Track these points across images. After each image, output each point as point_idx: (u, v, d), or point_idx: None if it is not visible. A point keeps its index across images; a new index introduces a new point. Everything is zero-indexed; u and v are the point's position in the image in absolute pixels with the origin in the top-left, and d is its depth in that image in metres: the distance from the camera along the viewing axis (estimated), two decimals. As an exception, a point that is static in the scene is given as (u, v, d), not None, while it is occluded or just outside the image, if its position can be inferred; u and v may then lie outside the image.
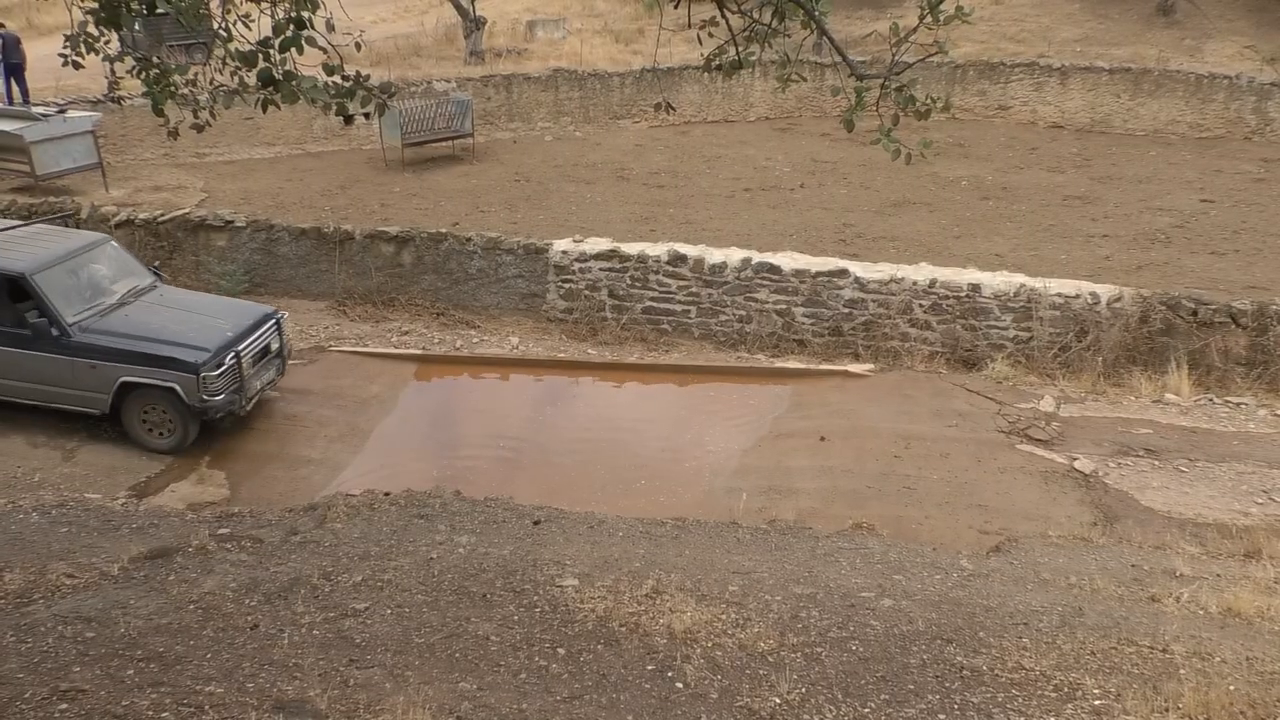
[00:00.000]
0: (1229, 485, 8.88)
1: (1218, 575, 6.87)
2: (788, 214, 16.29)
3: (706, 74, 6.13)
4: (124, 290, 10.30)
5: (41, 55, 17.96)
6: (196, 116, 5.98)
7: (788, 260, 12.29)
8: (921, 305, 11.78)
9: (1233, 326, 11.03)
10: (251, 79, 5.18)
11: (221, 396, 9.58)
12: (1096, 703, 4.97)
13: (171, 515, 7.73)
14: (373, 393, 10.97)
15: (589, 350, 12.19)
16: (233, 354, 9.72)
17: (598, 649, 5.42)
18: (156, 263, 12.53)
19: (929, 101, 4.99)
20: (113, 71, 6.76)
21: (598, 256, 12.73)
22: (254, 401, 10.14)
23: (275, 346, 10.48)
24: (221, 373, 9.54)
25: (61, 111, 16.87)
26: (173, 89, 5.75)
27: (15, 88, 20.02)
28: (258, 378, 10.12)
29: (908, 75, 5.04)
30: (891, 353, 11.82)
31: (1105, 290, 11.46)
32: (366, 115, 5.28)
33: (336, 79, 5.12)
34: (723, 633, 5.58)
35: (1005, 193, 17.71)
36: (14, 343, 9.59)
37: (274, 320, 10.53)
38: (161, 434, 9.68)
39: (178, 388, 9.41)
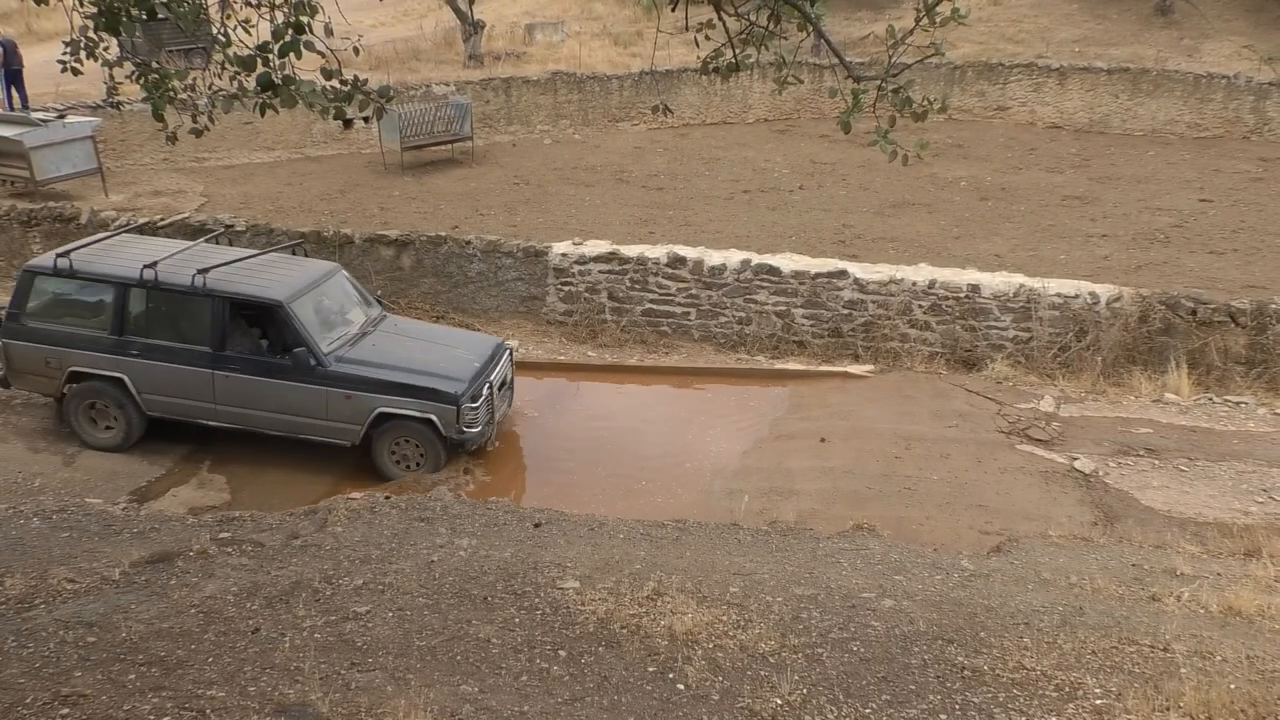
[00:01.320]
0: (1229, 484, 8.88)
1: (1218, 574, 6.87)
2: (786, 215, 16.32)
3: (704, 76, 6.14)
4: (360, 319, 10.08)
5: (41, 61, 18.00)
6: (195, 121, 6.00)
7: (787, 262, 12.30)
8: (921, 306, 11.79)
9: (1232, 326, 11.04)
10: (250, 84, 5.19)
11: (478, 429, 9.39)
12: (1098, 702, 4.97)
13: (173, 520, 7.73)
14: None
15: (589, 352, 12.20)
16: (486, 385, 9.56)
17: (599, 651, 5.42)
18: (379, 291, 12.30)
19: (926, 103, 4.99)
20: (112, 77, 6.80)
21: (597, 259, 12.74)
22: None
23: (507, 377, 10.24)
24: (479, 404, 9.36)
25: (61, 117, 16.90)
26: (172, 94, 5.76)
27: (15, 94, 20.04)
28: (498, 409, 9.92)
29: (905, 77, 5.04)
30: (891, 354, 11.83)
31: (1104, 290, 11.46)
32: (365, 119, 5.30)
33: (335, 83, 5.13)
34: (724, 634, 5.58)
35: (1004, 193, 17.74)
36: (266, 372, 9.34)
37: (507, 350, 10.37)
38: (410, 466, 9.45)
39: (435, 419, 9.23)
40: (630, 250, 12.78)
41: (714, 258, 12.50)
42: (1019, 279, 11.84)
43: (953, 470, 9.18)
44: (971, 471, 9.17)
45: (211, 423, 9.61)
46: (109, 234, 10.28)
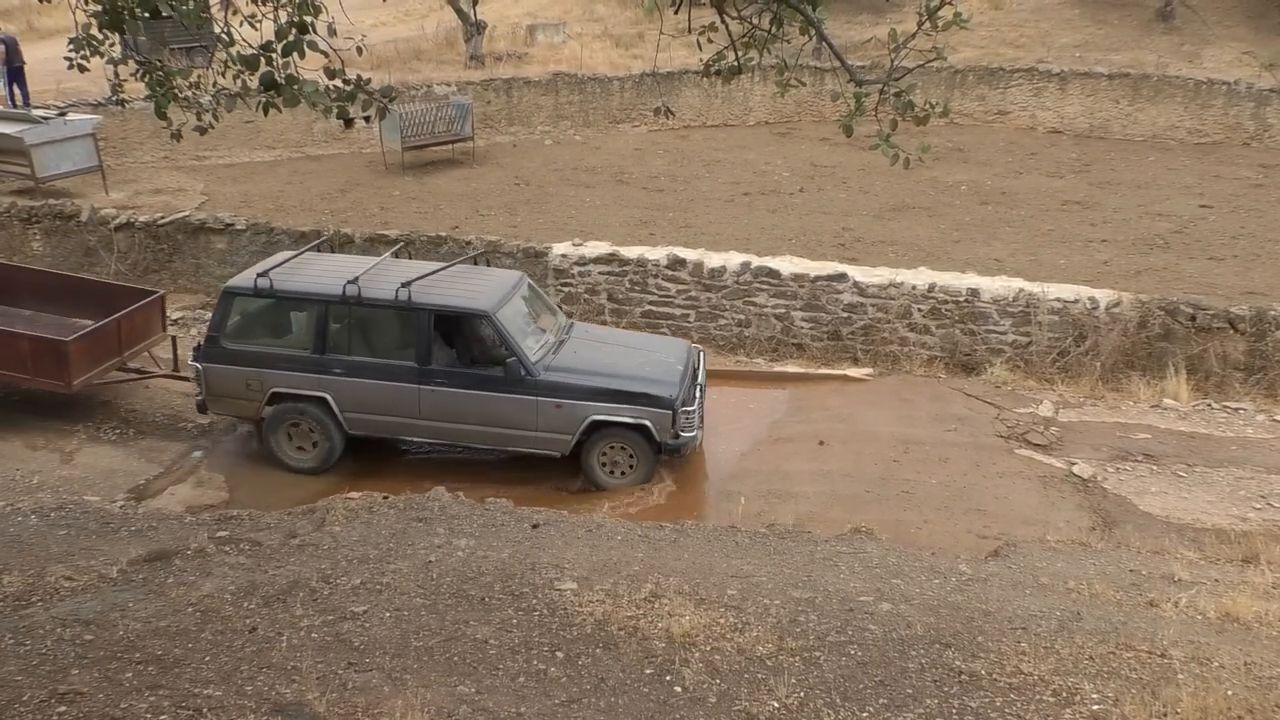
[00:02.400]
0: (1227, 490, 8.89)
1: (1216, 580, 6.87)
2: (787, 218, 16.33)
3: (706, 79, 6.15)
4: (553, 326, 9.91)
5: (43, 58, 18.02)
6: (199, 119, 6.00)
7: (787, 264, 12.30)
8: (920, 310, 11.79)
9: (1231, 332, 11.04)
10: (253, 82, 5.19)
11: (691, 433, 9.20)
12: (1095, 707, 4.97)
13: (170, 518, 7.72)
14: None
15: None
16: (697, 387, 9.40)
17: (596, 653, 5.42)
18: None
19: (928, 106, 5.00)
20: (116, 74, 6.79)
21: (597, 260, 12.74)
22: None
23: (702, 380, 10.00)
24: (694, 408, 9.21)
25: (62, 114, 16.90)
26: (176, 92, 5.76)
27: (16, 91, 20.03)
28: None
29: (906, 81, 5.04)
30: (890, 357, 11.84)
31: (1104, 295, 11.47)
32: (367, 119, 5.30)
33: (337, 83, 5.14)
34: (721, 636, 5.58)
35: (1004, 198, 17.75)
36: (475, 384, 9.15)
37: (699, 352, 10.25)
38: (620, 473, 9.28)
39: (650, 424, 9.04)
40: (630, 252, 12.78)
41: (714, 260, 12.50)
42: (1018, 283, 11.84)
43: (951, 474, 9.18)
44: (970, 475, 9.18)
45: (415, 439, 9.48)
46: (294, 253, 10.03)
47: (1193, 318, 11.12)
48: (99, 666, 5.03)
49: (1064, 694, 5.10)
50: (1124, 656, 5.48)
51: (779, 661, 5.36)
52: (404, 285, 9.07)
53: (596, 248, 12.93)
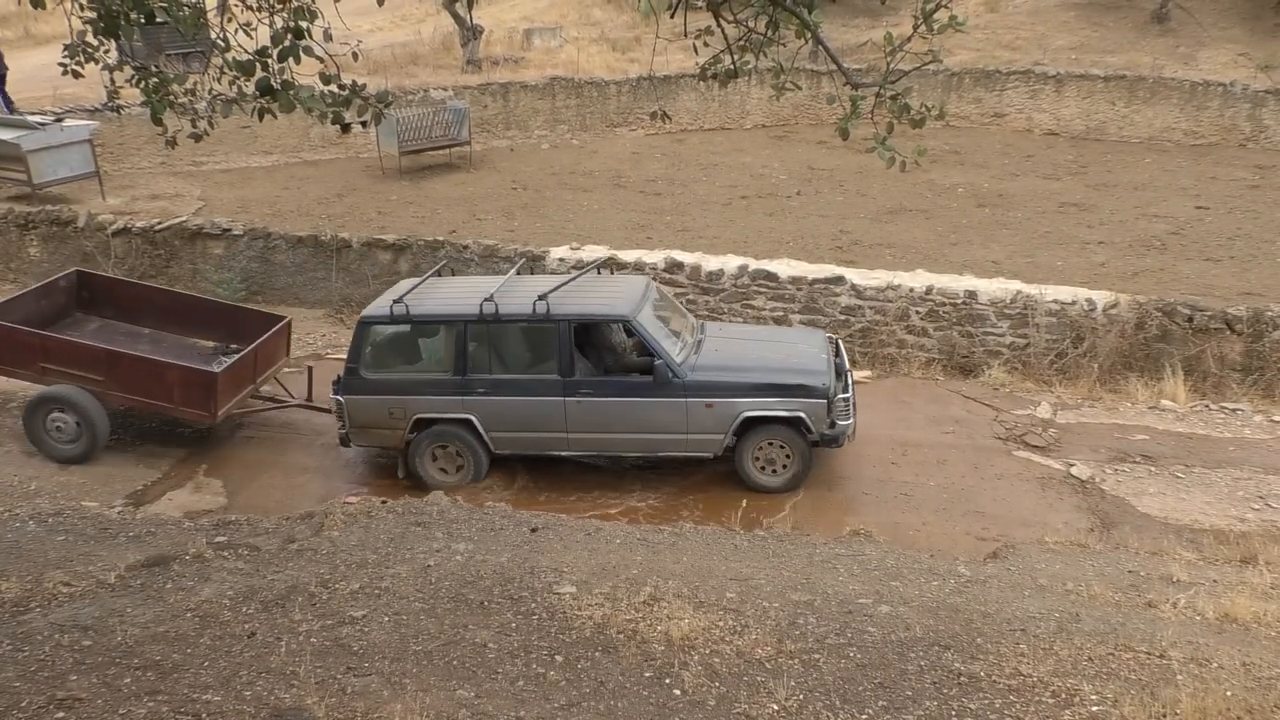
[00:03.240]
0: (1225, 491, 8.90)
1: (1214, 581, 6.87)
2: (784, 221, 16.34)
3: (702, 82, 6.16)
4: (686, 327, 9.67)
5: (39, 64, 18.03)
6: (195, 125, 6.00)
7: (784, 267, 12.32)
8: (918, 312, 11.81)
9: (1228, 333, 11.06)
10: (249, 88, 5.20)
11: (847, 421, 9.02)
12: (1094, 709, 4.97)
13: (168, 523, 7.71)
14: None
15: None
16: (847, 374, 9.19)
17: (595, 656, 5.42)
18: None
19: (924, 109, 5.00)
20: (112, 80, 6.80)
21: (594, 265, 12.72)
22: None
23: (849, 366, 9.72)
24: (849, 395, 9.01)
25: (58, 120, 16.90)
26: (171, 98, 5.76)
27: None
28: None
29: (903, 84, 5.05)
30: (888, 359, 11.85)
31: (1101, 297, 11.49)
32: (364, 124, 5.30)
33: (333, 88, 5.14)
34: (720, 640, 5.58)
35: (1001, 200, 17.77)
36: (620, 391, 8.99)
37: (837, 340, 10.01)
38: (775, 470, 9.06)
39: (805, 416, 8.83)
40: (627, 255, 12.78)
41: (711, 263, 12.52)
42: (1016, 285, 11.86)
43: (949, 476, 9.19)
44: (968, 477, 9.19)
45: (563, 453, 9.29)
46: (419, 279, 9.86)
47: (1190, 319, 11.14)
48: (97, 672, 5.02)
49: (1063, 695, 5.10)
50: (1123, 658, 5.48)
51: (778, 664, 5.36)
52: (541, 298, 8.90)
53: (594, 251, 12.93)
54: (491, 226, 15.60)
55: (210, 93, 5.99)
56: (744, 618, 5.83)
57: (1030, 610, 6.12)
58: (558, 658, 5.39)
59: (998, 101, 23.45)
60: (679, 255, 12.69)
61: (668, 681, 5.19)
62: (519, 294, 9.18)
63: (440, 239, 13.52)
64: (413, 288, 9.51)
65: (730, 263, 12.49)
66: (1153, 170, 19.93)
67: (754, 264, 12.38)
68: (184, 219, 14.45)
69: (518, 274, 10.12)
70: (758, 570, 6.66)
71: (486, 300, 8.94)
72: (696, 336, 9.57)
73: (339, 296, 13.67)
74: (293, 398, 10.53)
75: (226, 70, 5.24)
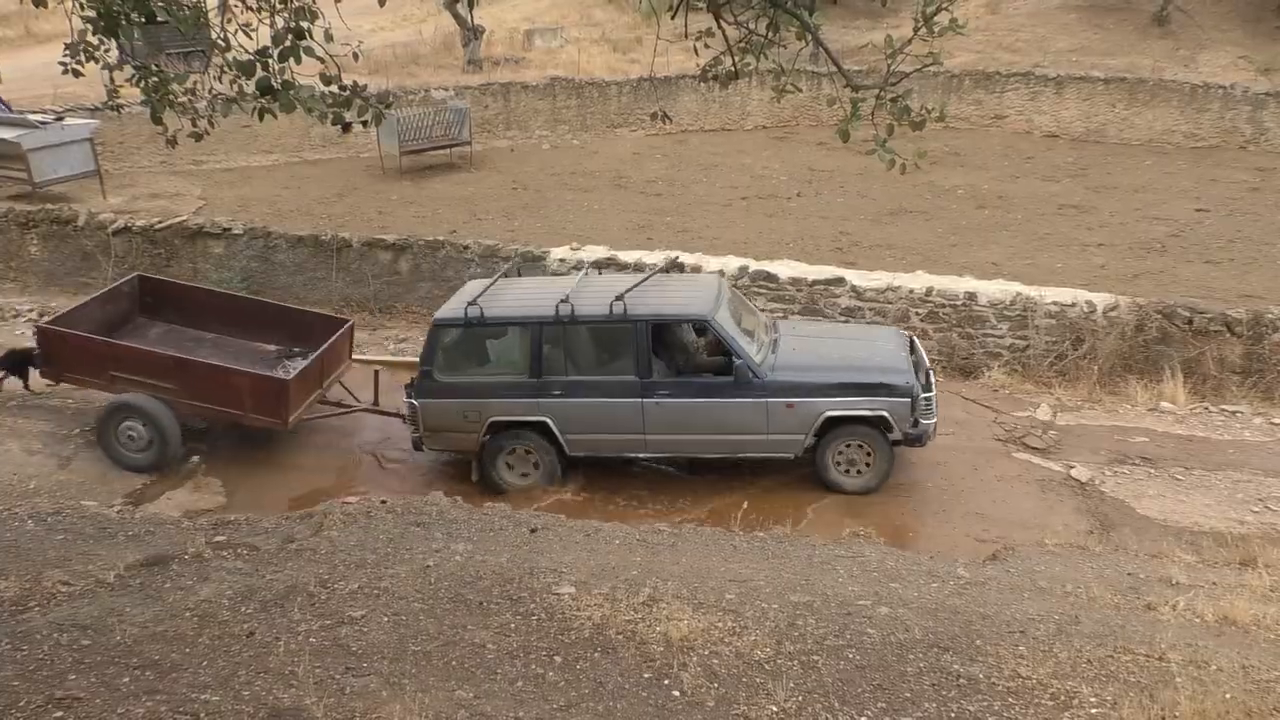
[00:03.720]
0: (1225, 494, 8.90)
1: (1214, 583, 6.87)
2: (784, 222, 16.34)
3: (703, 83, 6.16)
4: (760, 325, 9.56)
5: (39, 63, 17.99)
6: (195, 125, 5.99)
7: (784, 268, 12.31)
8: (918, 314, 11.80)
9: (1228, 335, 11.05)
10: (250, 88, 5.19)
11: (931, 419, 8.92)
12: (1093, 711, 4.97)
13: (167, 523, 7.71)
14: (367, 399, 10.93)
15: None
16: (928, 372, 9.07)
17: (594, 657, 5.41)
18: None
19: (924, 111, 5.00)
20: (112, 79, 6.79)
21: (594, 265, 12.72)
22: None
23: (929, 364, 9.57)
24: (931, 394, 8.90)
25: (59, 119, 16.90)
26: (171, 97, 5.76)
27: None
28: None
29: (903, 86, 5.05)
30: (888, 361, 11.82)
31: (1101, 299, 11.49)
32: (365, 124, 5.30)
33: (334, 88, 5.14)
34: (719, 641, 5.57)
35: (1001, 201, 17.78)
36: (699, 393, 8.89)
37: (912, 339, 9.92)
38: (856, 472, 9.00)
39: (888, 415, 8.74)
40: (628, 256, 12.77)
41: (712, 264, 12.49)
42: (1016, 287, 11.85)
43: (949, 478, 9.18)
44: (968, 479, 9.18)
45: (639, 455, 9.21)
46: (489, 280, 9.79)
47: (1190, 321, 11.13)
48: (96, 671, 5.02)
49: (1062, 698, 5.10)
50: (1122, 660, 5.48)
51: (777, 665, 5.36)
52: (618, 298, 8.82)
53: (594, 252, 12.93)
54: (492, 226, 15.59)
55: (210, 92, 5.99)
56: (743, 619, 5.82)
57: (1029, 612, 6.12)
58: (557, 658, 5.38)
59: (998, 103, 23.45)
60: (679, 256, 12.67)
61: (666, 682, 5.19)
62: (592, 295, 9.09)
63: (440, 239, 13.52)
64: (484, 289, 9.38)
65: (730, 263, 12.48)
66: (1153, 173, 19.93)
67: (754, 265, 12.37)
68: (184, 218, 14.44)
69: (587, 275, 10.01)
70: (757, 571, 6.66)
71: (562, 302, 8.86)
72: (772, 335, 9.48)
73: (339, 296, 13.66)
74: (358, 402, 10.43)
75: (227, 70, 5.23)
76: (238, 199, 17.05)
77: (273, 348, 10.62)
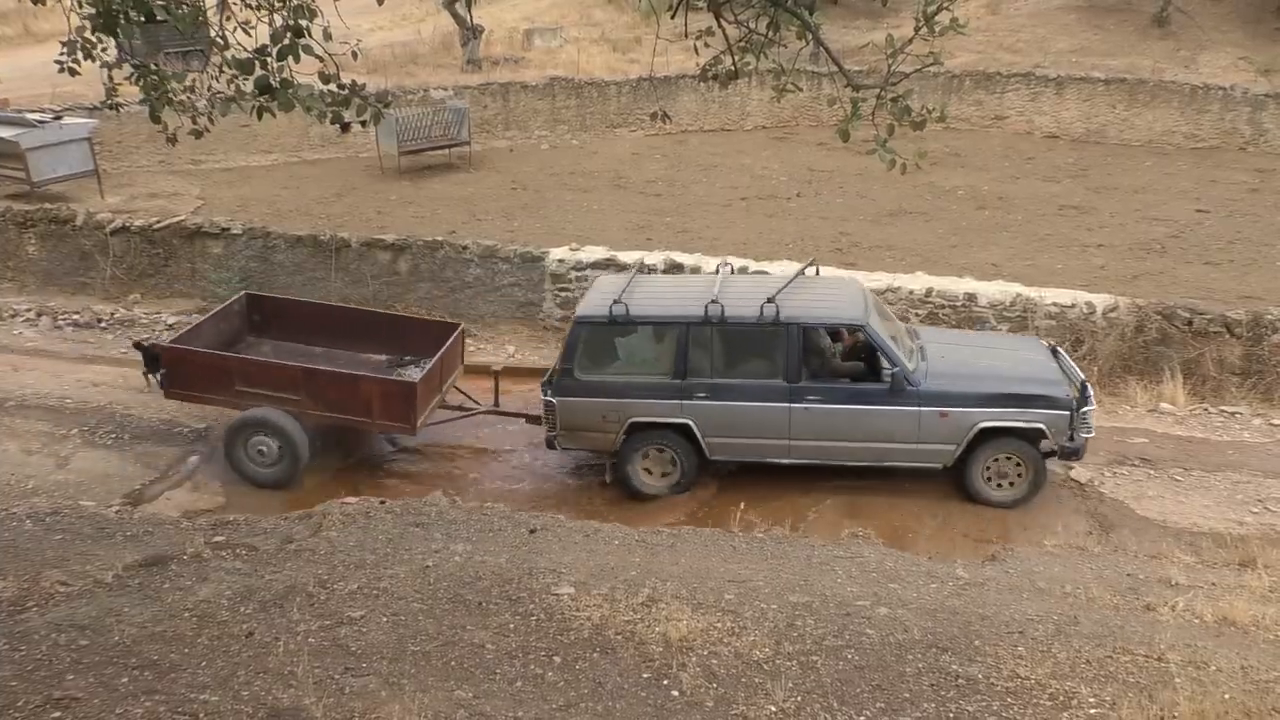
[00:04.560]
0: (1224, 494, 8.91)
1: (1213, 584, 6.89)
2: (784, 223, 16.35)
3: (703, 83, 6.16)
4: (901, 331, 9.46)
5: (39, 62, 17.98)
6: (195, 123, 6.00)
7: (784, 269, 12.28)
8: (918, 314, 11.79)
9: (1227, 336, 11.06)
10: (248, 86, 5.20)
11: (1090, 433, 8.74)
12: (1092, 711, 4.98)
13: (166, 523, 7.71)
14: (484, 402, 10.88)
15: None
16: (1085, 384, 8.86)
17: (593, 657, 5.42)
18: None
19: (924, 112, 5.02)
20: (111, 78, 6.79)
21: (594, 265, 12.72)
22: None
23: (1083, 376, 9.29)
24: (1092, 407, 8.73)
25: (57, 118, 16.89)
26: (170, 96, 5.76)
27: None
28: None
29: (903, 86, 5.06)
30: (887, 362, 11.81)
31: (1101, 300, 11.50)
32: (363, 123, 5.30)
33: (332, 87, 5.15)
34: (719, 641, 5.58)
35: (1001, 202, 17.79)
36: (849, 399, 8.79)
37: (1055, 348, 9.73)
38: (1004, 485, 8.86)
39: (1045, 428, 8.61)
40: (627, 256, 12.77)
41: (711, 265, 12.48)
42: (1016, 288, 11.86)
43: (948, 480, 9.17)
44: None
45: (782, 461, 9.08)
46: (624, 276, 9.76)
47: (1189, 322, 11.14)
48: (94, 672, 5.02)
49: (1061, 698, 5.11)
50: (1121, 660, 5.49)
51: (776, 666, 5.37)
52: (769, 301, 8.76)
53: (594, 252, 12.94)
54: (491, 227, 15.60)
55: (209, 91, 5.99)
56: (742, 619, 5.84)
57: (1028, 613, 6.13)
58: (556, 658, 5.39)
59: (998, 104, 23.46)
60: (678, 256, 12.68)
61: (665, 683, 5.20)
62: (739, 296, 9.00)
63: (439, 239, 13.51)
64: (622, 287, 9.27)
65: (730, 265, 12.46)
66: (1153, 173, 19.95)
67: (754, 266, 12.35)
68: (182, 218, 14.42)
69: (725, 274, 9.89)
70: (756, 572, 6.67)
71: (711, 303, 8.79)
72: (916, 342, 9.38)
73: (338, 296, 13.64)
74: (478, 405, 10.43)
75: (225, 68, 5.24)
76: (236, 199, 17.05)
77: (383, 357, 10.64)
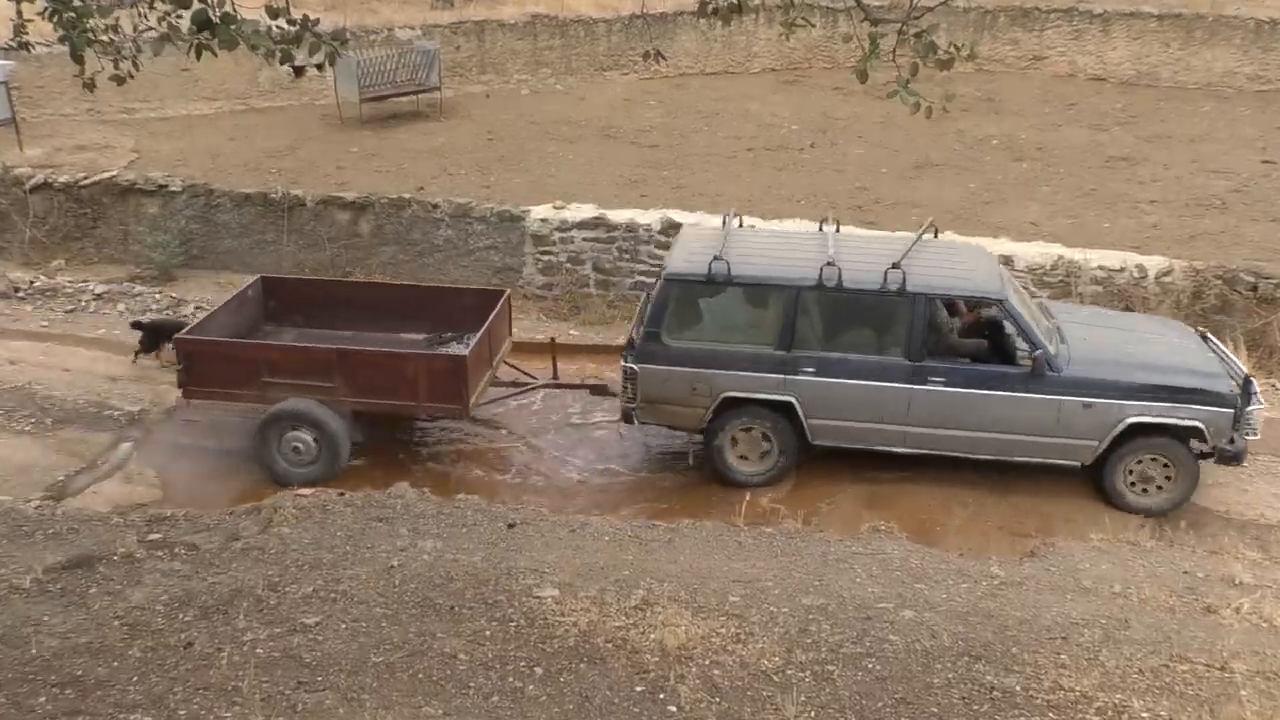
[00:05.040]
0: (1294, 482, 8.90)
1: (1282, 583, 6.87)
2: (796, 177, 16.26)
3: (703, 20, 6.07)
4: (1034, 309, 9.25)
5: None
6: (117, 67, 5.88)
7: (796, 229, 12.23)
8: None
9: (1298, 303, 11.03)
10: (184, 23, 5.09)
11: (1254, 435, 8.52)
12: (1145, 727, 4.96)
13: (94, 519, 7.64)
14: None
15: (571, 331, 12.14)
16: (1247, 380, 8.62)
17: (580, 668, 5.41)
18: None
19: (952, 49, 4.93)
20: (19, 13, 6.64)
21: (581, 225, 12.66)
22: None
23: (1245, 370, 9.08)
24: (1260, 405, 8.52)
25: (-30, 61, 16.70)
26: (91, 34, 5.63)
27: None
28: None
29: (927, 20, 4.98)
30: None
31: (1153, 262, 11.45)
32: (318, 67, 5.20)
33: (281, 23, 5.04)
34: (722, 649, 5.58)
35: (1041, 153, 17.70)
36: (983, 383, 8.60)
37: (1204, 334, 9.51)
38: (1154, 489, 8.65)
39: (1204, 426, 8.38)
40: (619, 215, 12.72)
41: (714, 224, 12.43)
42: (1057, 250, 11.81)
43: (980, 465, 9.15)
44: (1002, 466, 9.14)
45: (896, 449, 8.95)
46: (716, 229, 9.61)
47: (1254, 287, 11.10)
48: (6, 690, 4.98)
49: (1110, 712, 5.09)
50: (1178, 670, 5.47)
51: (787, 676, 5.35)
52: (894, 266, 8.58)
53: (580, 211, 12.87)
54: (465, 183, 15.49)
55: (137, 28, 5.87)
56: (748, 624, 5.83)
57: (1073, 616, 6.12)
58: (537, 670, 5.38)
59: (1037, 43, 23.30)
60: (677, 215, 12.61)
61: (662, 697, 5.18)
62: (854, 259, 8.84)
63: (406, 197, 13.43)
64: (717, 241, 9.09)
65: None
66: (1212, 120, 19.85)
67: (762, 225, 12.28)
68: (114, 173, 14.31)
69: (832, 232, 9.72)
70: (764, 571, 6.65)
71: (828, 265, 8.62)
72: (1052, 320, 9.26)
73: (291, 262, 13.58)
74: (534, 379, 10.39)
75: (158, 3, 5.13)
76: (176, 152, 16.89)
77: (420, 336, 10.55)
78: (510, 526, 7.32)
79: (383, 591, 6.10)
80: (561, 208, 13.02)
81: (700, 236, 9.65)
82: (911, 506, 8.72)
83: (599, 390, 10.00)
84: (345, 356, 9.36)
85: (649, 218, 12.65)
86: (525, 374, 10.49)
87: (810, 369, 8.77)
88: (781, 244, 9.78)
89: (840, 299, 8.73)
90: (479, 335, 9.51)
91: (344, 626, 5.70)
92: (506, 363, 10.43)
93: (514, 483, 9.37)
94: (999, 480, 8.98)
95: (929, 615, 6.04)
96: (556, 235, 12.76)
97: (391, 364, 9.35)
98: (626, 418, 9.22)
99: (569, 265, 12.82)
